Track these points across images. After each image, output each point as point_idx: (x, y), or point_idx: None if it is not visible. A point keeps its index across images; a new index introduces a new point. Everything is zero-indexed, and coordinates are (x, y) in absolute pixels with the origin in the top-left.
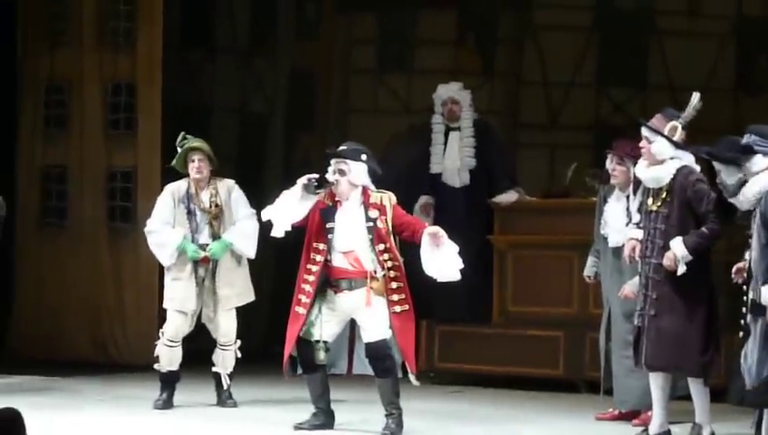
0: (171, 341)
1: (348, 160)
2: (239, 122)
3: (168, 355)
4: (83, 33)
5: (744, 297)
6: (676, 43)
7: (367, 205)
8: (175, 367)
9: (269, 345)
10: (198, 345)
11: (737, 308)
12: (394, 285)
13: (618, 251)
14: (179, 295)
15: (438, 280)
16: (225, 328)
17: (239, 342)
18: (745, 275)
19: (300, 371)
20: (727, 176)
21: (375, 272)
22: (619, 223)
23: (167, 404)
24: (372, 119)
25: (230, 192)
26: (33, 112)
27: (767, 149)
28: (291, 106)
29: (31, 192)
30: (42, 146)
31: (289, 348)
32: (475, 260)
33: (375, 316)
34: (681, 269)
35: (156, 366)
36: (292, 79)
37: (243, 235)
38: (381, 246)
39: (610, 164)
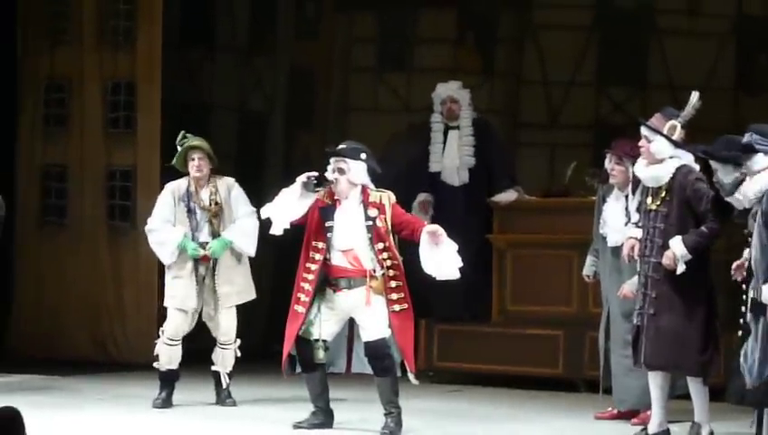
0: (171, 339)
1: (347, 159)
2: (239, 121)
3: (168, 354)
4: (83, 31)
5: (744, 296)
6: (676, 43)
7: (366, 204)
8: (174, 366)
9: (268, 344)
10: (198, 344)
11: (736, 307)
12: (393, 283)
13: (617, 250)
14: (180, 294)
15: (437, 278)
16: (226, 327)
17: (239, 341)
18: (745, 272)
19: (299, 369)
20: (724, 175)
21: (374, 271)
22: (617, 222)
23: (166, 403)
24: (372, 117)
25: (230, 190)
26: (32, 111)
27: None
28: (290, 104)
29: (31, 190)
30: (41, 144)
31: (288, 347)
32: (474, 259)
33: (374, 315)
34: (680, 268)
35: (155, 364)
36: (291, 77)
37: (243, 233)
38: (380, 245)
39: (609, 164)
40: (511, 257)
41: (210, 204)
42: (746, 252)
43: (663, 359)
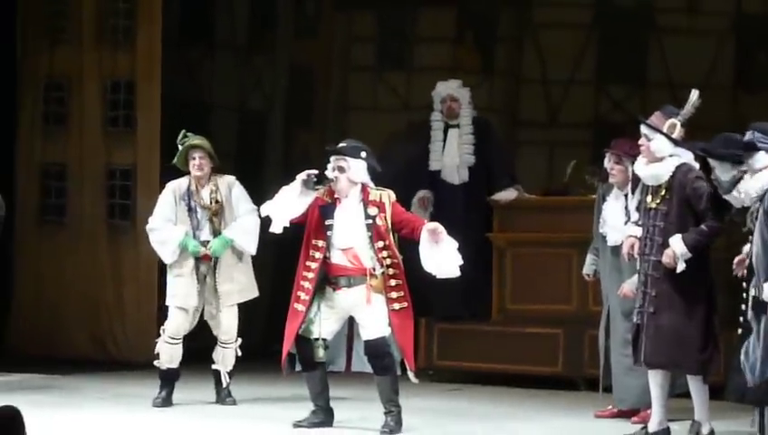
0: (172, 338)
1: (347, 157)
2: (238, 119)
3: (169, 352)
4: (83, 30)
5: (744, 294)
6: (675, 41)
7: (366, 202)
8: (175, 365)
9: (268, 344)
10: (199, 343)
11: (736, 305)
12: (393, 282)
13: (616, 250)
14: (181, 292)
15: (437, 276)
16: (227, 325)
17: (240, 340)
18: (745, 269)
19: (298, 368)
20: (722, 172)
21: (374, 269)
22: (617, 222)
23: (166, 402)
24: (371, 116)
25: (230, 188)
26: (32, 109)
27: None
28: (290, 103)
29: (30, 189)
30: (41, 143)
31: (288, 345)
32: (473, 258)
33: (374, 314)
34: (680, 267)
35: (156, 363)
36: (291, 76)
37: (243, 231)
38: (380, 244)
39: (608, 163)
40: (511, 256)
41: (211, 202)
42: (746, 247)
43: (663, 357)
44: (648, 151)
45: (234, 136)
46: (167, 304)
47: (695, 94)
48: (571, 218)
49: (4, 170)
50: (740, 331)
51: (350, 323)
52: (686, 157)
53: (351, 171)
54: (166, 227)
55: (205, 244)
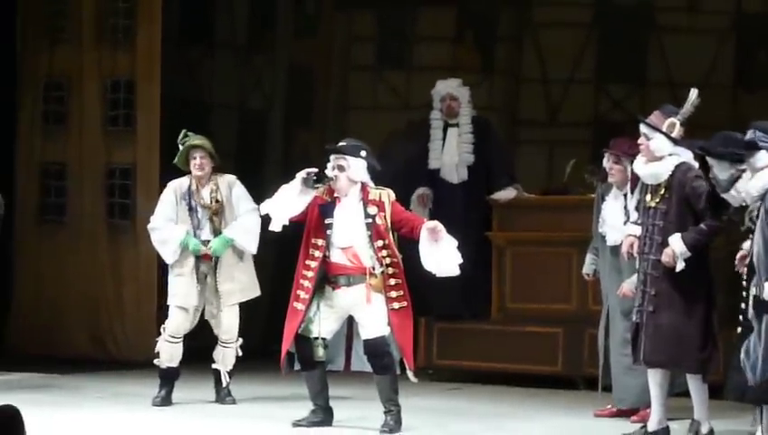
0: (172, 337)
1: (347, 156)
2: (238, 119)
3: (169, 351)
4: (83, 29)
5: (744, 293)
6: (675, 40)
7: (366, 201)
8: (175, 363)
9: (268, 343)
10: (199, 342)
11: (736, 304)
12: (392, 281)
13: (616, 249)
14: (181, 292)
15: (437, 275)
16: (227, 325)
17: (241, 340)
18: (746, 267)
19: (297, 366)
20: (720, 171)
21: (373, 268)
22: (616, 221)
23: (165, 401)
24: (371, 115)
25: (231, 188)
26: (32, 108)
27: None
28: (289, 102)
29: (30, 188)
30: (41, 142)
31: (287, 344)
32: (473, 257)
33: (373, 313)
34: (680, 266)
35: (155, 361)
36: (291, 75)
37: (244, 230)
38: (380, 243)
39: (607, 163)
40: (510, 255)
41: (211, 202)
42: (746, 244)
43: (662, 356)
44: (647, 150)
45: (233, 135)
46: (168, 303)
47: (694, 93)
48: (570, 217)
49: (4, 170)
50: (740, 329)
51: (350, 322)
52: (686, 156)
53: (351, 170)
54: (167, 227)
55: (205, 243)
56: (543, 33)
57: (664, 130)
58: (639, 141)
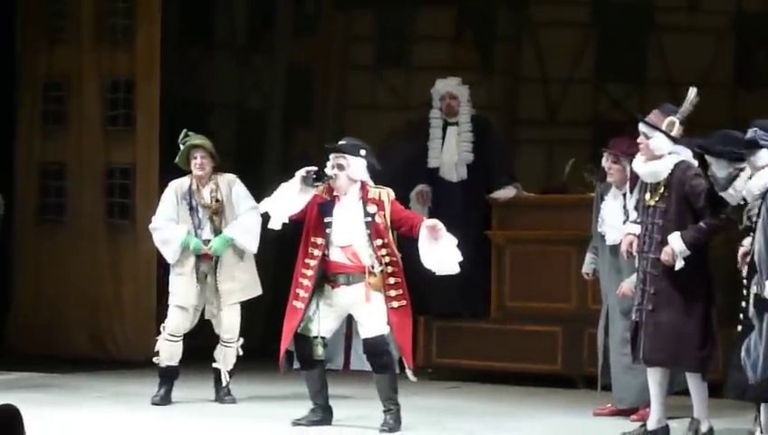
0: (172, 336)
1: (347, 155)
2: (237, 118)
3: (169, 350)
4: (82, 29)
5: (745, 291)
6: (674, 39)
7: (365, 200)
8: (174, 362)
9: (267, 342)
10: (199, 341)
11: (735, 302)
12: (392, 280)
13: (615, 249)
14: (181, 291)
15: (437, 273)
16: (228, 324)
17: (242, 339)
18: (746, 265)
19: (296, 365)
20: (718, 169)
21: (373, 267)
22: (616, 221)
23: (164, 400)
24: (370, 115)
25: (231, 187)
26: (31, 109)
27: None
28: (289, 102)
29: (29, 188)
30: (40, 142)
31: (286, 343)
32: (472, 255)
33: (373, 312)
34: (679, 264)
35: (155, 360)
36: (290, 75)
37: (244, 229)
38: (379, 242)
39: (606, 162)
40: (509, 254)
41: (211, 201)
42: (747, 241)
43: (662, 355)
44: (646, 149)
45: (233, 135)
46: (169, 302)
47: (693, 92)
48: (569, 216)
49: (4, 170)
50: (740, 328)
51: (349, 321)
52: (685, 154)
53: (351, 169)
54: (168, 227)
55: (206, 243)
56: (543, 32)
57: (663, 128)
58: (639, 140)
